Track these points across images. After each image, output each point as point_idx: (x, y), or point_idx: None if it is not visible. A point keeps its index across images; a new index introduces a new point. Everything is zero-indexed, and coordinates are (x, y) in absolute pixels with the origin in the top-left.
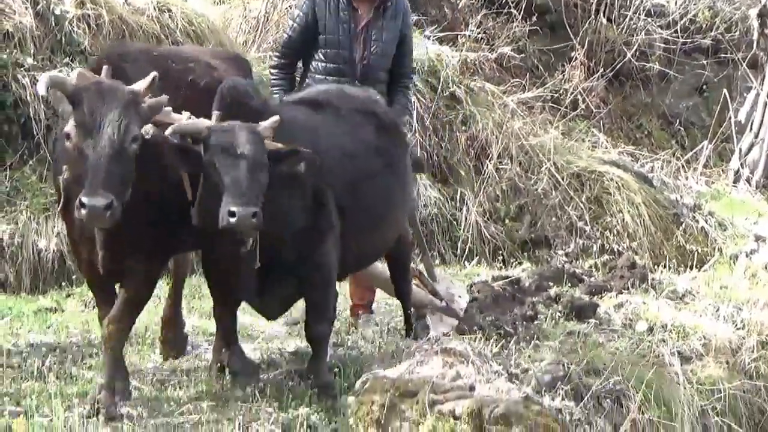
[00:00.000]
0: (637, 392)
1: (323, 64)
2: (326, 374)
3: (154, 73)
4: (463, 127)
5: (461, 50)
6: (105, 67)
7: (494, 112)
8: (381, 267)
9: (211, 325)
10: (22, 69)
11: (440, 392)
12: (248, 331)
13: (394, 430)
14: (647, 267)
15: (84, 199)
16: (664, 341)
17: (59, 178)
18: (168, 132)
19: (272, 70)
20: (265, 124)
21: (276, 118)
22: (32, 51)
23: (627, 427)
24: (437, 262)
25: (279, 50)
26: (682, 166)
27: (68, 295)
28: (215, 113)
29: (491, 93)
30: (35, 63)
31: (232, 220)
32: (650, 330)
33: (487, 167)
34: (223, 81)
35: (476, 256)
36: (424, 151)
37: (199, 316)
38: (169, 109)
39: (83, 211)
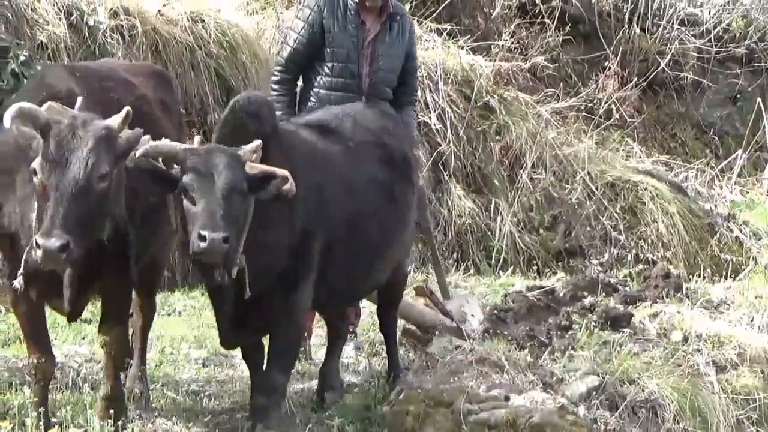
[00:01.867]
0: (672, 402)
1: (328, 79)
2: (281, 424)
3: (127, 108)
4: (497, 137)
5: (495, 60)
6: (80, 98)
7: (528, 121)
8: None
9: None
10: None
11: (475, 402)
12: None
13: None
14: (682, 276)
15: (39, 240)
16: (698, 351)
17: (29, 217)
18: (140, 153)
19: (274, 86)
20: (246, 148)
21: (258, 142)
22: (66, 62)
23: None
24: (471, 272)
25: (282, 64)
26: (717, 175)
27: None
28: (197, 138)
29: (525, 103)
30: None
31: (203, 244)
32: (685, 339)
33: (521, 177)
34: (240, 95)
35: (510, 266)
36: (458, 161)
37: None
38: (148, 137)
39: (38, 252)
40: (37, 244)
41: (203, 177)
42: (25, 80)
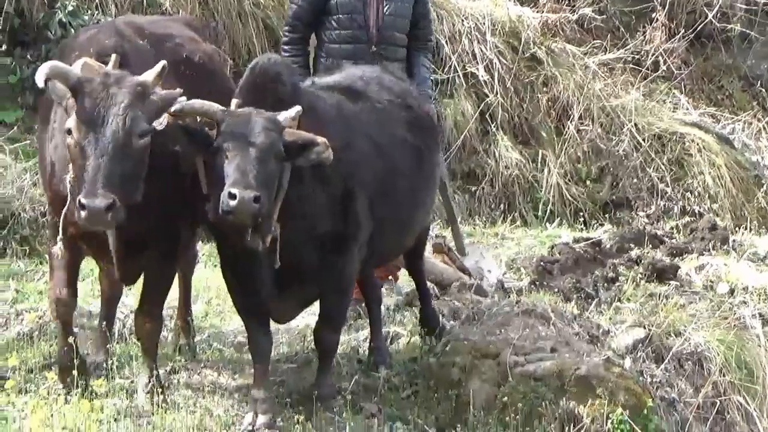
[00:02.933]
0: (718, 354)
1: (336, 32)
2: (330, 387)
3: (162, 62)
4: (544, 89)
5: (542, 11)
6: (113, 55)
7: (575, 73)
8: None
9: None
10: None
11: (521, 354)
12: None
13: (474, 392)
14: (728, 229)
15: (83, 200)
16: (745, 303)
17: (63, 178)
18: (175, 109)
19: (284, 47)
20: (285, 114)
21: (298, 108)
22: (113, 11)
23: (708, 388)
24: (518, 223)
25: (289, 23)
26: (764, 127)
27: None
28: (234, 100)
29: (572, 54)
30: None
31: (232, 203)
32: (731, 292)
33: (568, 128)
34: (259, 57)
35: (557, 217)
36: (506, 113)
37: None
38: (184, 98)
39: (83, 213)
40: (81, 204)
41: (239, 138)
42: (72, 30)
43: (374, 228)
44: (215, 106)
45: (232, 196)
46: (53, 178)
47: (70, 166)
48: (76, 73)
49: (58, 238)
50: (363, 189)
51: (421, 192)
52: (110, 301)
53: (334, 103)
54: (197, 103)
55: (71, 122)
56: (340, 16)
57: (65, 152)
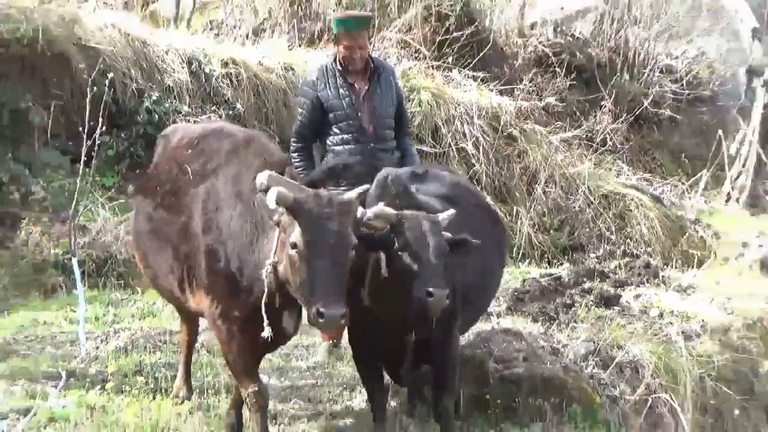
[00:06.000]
0: (650, 363)
1: (339, 137)
2: None
3: (366, 186)
4: (518, 160)
5: (517, 100)
6: (288, 168)
7: (542, 147)
8: None
9: None
10: (180, 115)
11: (500, 362)
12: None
13: (464, 392)
14: (659, 267)
15: (323, 310)
16: (671, 324)
17: (265, 263)
18: (370, 215)
19: (293, 155)
20: (443, 216)
21: (452, 211)
22: (187, 101)
23: (642, 389)
24: None
25: (295, 136)
26: (686, 189)
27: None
28: (381, 203)
29: (540, 133)
30: (189, 110)
31: (430, 299)
32: (660, 315)
33: (536, 190)
34: (383, 172)
35: (528, 258)
36: (488, 178)
37: None
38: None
39: (321, 321)
40: (319, 313)
41: (420, 240)
42: (156, 116)
43: (468, 309)
44: (391, 211)
45: (429, 294)
46: (217, 263)
47: (268, 267)
48: (292, 196)
49: (267, 334)
50: (465, 279)
51: (495, 275)
52: (189, 347)
53: (442, 208)
54: (379, 210)
55: (297, 238)
56: (341, 124)
57: (264, 248)
